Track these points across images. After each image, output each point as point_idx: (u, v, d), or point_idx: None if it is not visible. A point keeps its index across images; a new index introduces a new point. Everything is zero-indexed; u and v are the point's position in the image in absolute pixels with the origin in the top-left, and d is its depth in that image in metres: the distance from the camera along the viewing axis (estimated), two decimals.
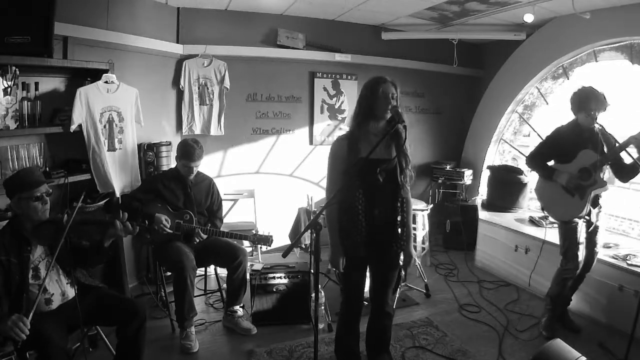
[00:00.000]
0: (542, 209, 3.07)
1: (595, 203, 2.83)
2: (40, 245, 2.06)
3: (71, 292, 2.12)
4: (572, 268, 2.84)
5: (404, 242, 2.22)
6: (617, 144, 2.69)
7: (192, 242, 2.95)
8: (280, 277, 3.07)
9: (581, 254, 2.83)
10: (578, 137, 2.77)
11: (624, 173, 2.78)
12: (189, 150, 2.94)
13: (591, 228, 2.85)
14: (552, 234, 3.31)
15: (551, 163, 2.92)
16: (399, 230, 2.20)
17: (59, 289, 2.09)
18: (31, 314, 1.76)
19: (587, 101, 2.69)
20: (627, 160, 2.72)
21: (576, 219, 2.79)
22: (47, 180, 2.15)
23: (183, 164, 2.98)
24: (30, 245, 2.01)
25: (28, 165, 2.67)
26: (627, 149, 2.58)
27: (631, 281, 2.86)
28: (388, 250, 2.22)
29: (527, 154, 3.09)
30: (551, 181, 2.84)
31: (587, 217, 2.82)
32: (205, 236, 2.98)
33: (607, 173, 2.83)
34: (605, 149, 2.74)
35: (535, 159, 2.95)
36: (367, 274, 2.37)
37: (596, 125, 2.74)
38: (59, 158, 2.95)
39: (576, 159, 2.75)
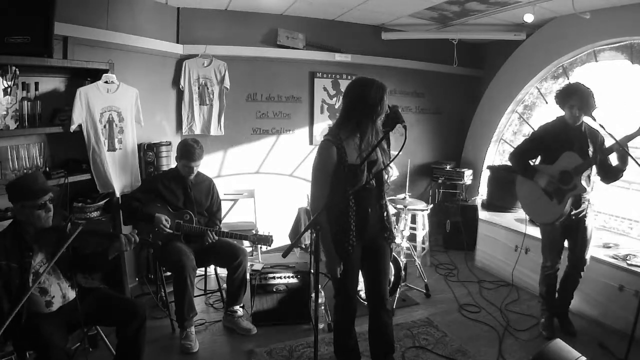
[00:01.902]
0: (522, 207, 3.05)
1: (578, 204, 2.76)
2: (41, 252, 2.05)
3: (72, 294, 2.12)
4: (550, 265, 2.88)
5: (393, 234, 2.31)
6: (603, 146, 2.67)
7: (205, 242, 2.94)
8: (280, 277, 3.07)
9: (558, 252, 2.85)
10: (563, 134, 2.70)
11: (608, 176, 2.72)
12: (189, 150, 2.94)
13: (578, 227, 2.80)
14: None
15: (538, 161, 2.88)
16: (387, 224, 2.26)
17: (60, 292, 2.08)
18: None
19: (570, 96, 2.63)
20: (614, 162, 2.67)
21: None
22: (49, 187, 2.09)
23: (183, 164, 2.98)
24: (31, 251, 2.00)
25: (28, 166, 2.66)
26: (610, 155, 2.57)
27: (631, 281, 2.86)
28: (381, 244, 2.27)
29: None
30: (532, 181, 2.80)
31: (572, 216, 2.76)
32: (217, 238, 2.97)
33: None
34: (591, 149, 2.68)
35: (518, 157, 2.86)
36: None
37: (583, 124, 2.70)
38: (59, 158, 2.94)
39: (559, 161, 2.70)
